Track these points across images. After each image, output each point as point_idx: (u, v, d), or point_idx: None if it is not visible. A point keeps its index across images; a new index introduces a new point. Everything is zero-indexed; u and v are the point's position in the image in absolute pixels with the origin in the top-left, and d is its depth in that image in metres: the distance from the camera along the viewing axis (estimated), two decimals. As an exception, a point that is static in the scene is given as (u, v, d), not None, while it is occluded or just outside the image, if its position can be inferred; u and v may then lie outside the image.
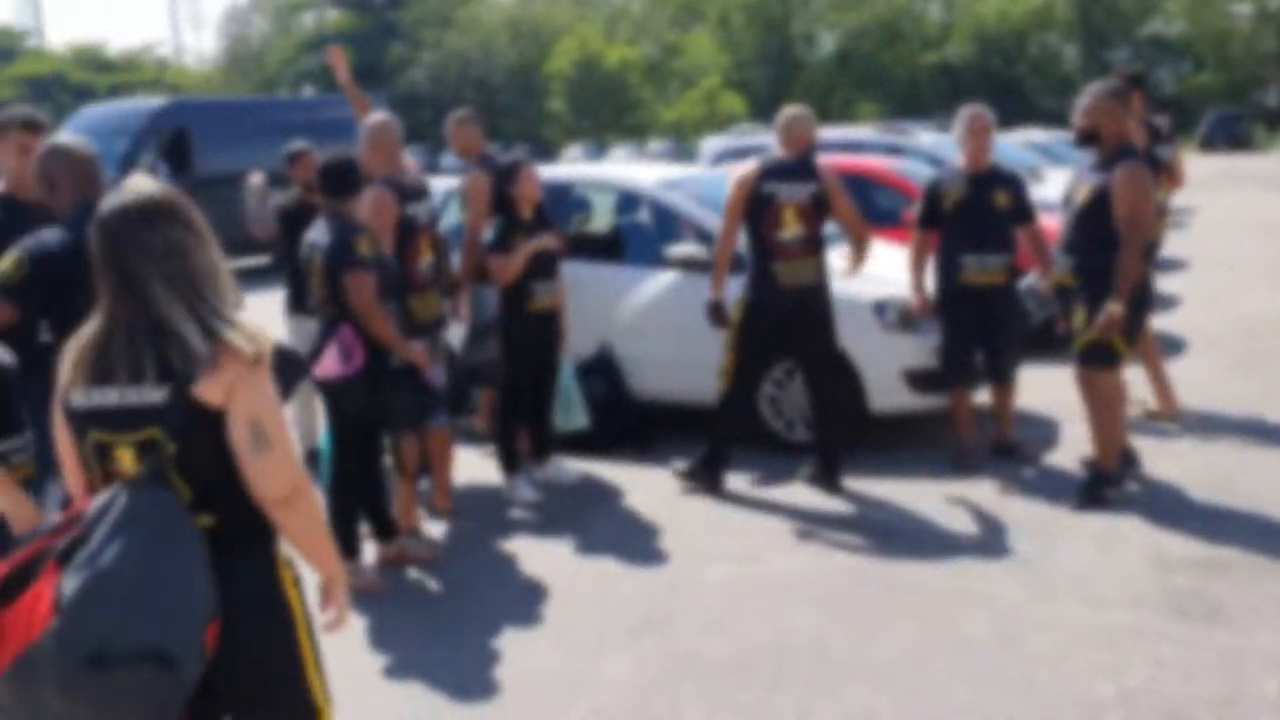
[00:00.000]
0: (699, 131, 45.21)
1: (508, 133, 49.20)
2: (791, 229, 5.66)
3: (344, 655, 4.19)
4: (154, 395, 2.22)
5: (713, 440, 5.92)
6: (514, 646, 4.24)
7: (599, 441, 6.50)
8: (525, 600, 4.67)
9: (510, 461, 5.94)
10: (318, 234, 4.78)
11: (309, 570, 2.47)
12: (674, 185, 7.16)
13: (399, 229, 5.25)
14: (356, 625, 4.47)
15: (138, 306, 2.25)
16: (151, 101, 17.35)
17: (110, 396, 2.24)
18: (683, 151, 38.07)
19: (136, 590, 2.07)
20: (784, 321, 5.72)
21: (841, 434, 5.93)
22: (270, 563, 2.40)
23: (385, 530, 5.10)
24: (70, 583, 2.04)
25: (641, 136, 48.43)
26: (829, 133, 14.95)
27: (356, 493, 4.94)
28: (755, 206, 5.70)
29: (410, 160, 5.64)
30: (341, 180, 4.76)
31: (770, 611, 4.41)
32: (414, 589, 4.87)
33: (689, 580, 4.77)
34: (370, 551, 5.06)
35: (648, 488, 5.99)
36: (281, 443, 2.29)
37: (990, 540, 5.05)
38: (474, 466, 6.34)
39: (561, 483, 6.11)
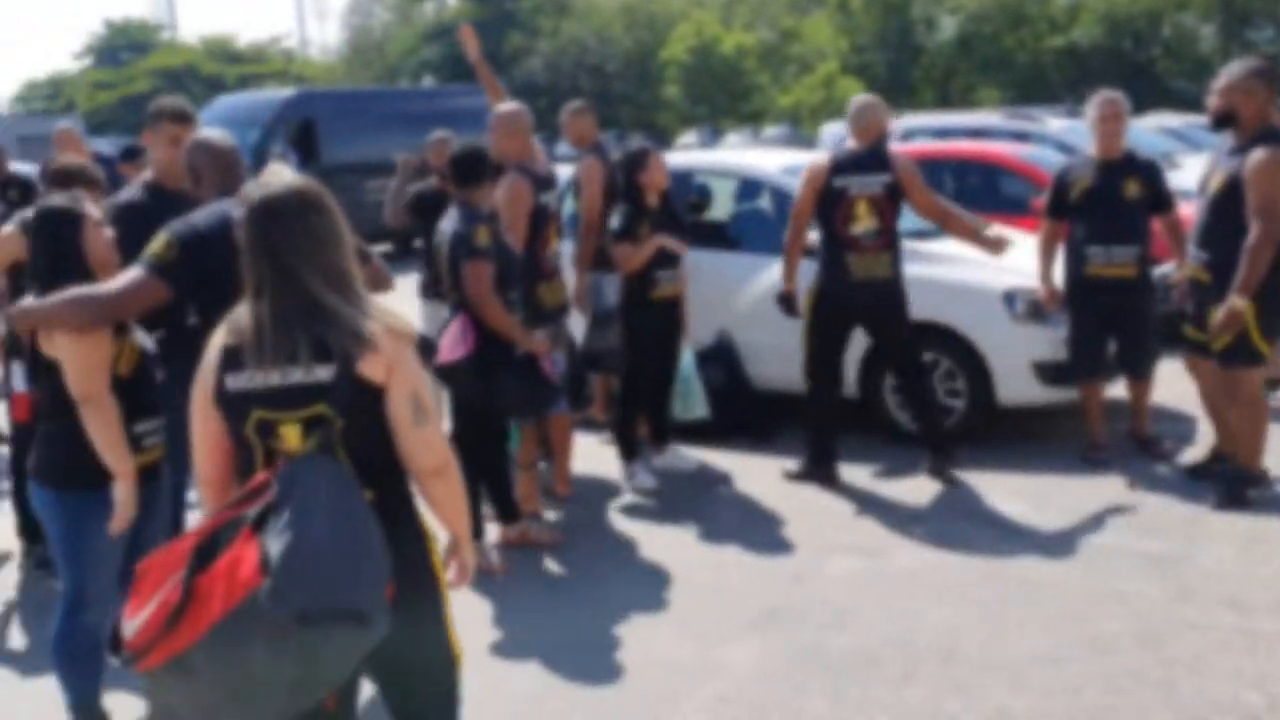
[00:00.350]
0: (815, 117, 44.68)
1: (622, 121, 49.29)
2: (864, 223, 5.58)
3: (469, 632, 4.27)
4: (321, 374, 2.33)
5: (810, 437, 5.89)
6: (635, 632, 4.25)
7: (717, 430, 6.47)
8: (645, 586, 4.68)
9: (630, 449, 5.96)
10: (448, 222, 4.86)
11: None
12: (797, 172, 7.06)
13: (532, 217, 5.30)
14: (480, 604, 4.55)
15: (292, 292, 2.35)
16: (280, 93, 17.81)
17: (274, 377, 2.34)
18: (799, 137, 37.64)
19: (334, 554, 2.19)
20: (856, 314, 5.72)
21: (939, 424, 5.89)
22: (420, 532, 2.56)
23: (508, 512, 5.17)
24: (275, 547, 2.15)
25: (757, 123, 48.05)
26: (953, 119, 14.70)
27: (477, 475, 5.01)
28: (827, 201, 5.63)
29: (538, 148, 5.68)
30: (471, 169, 4.82)
31: (896, 606, 4.34)
32: (535, 572, 4.91)
33: (811, 572, 4.73)
34: (492, 533, 5.13)
35: (766, 477, 5.95)
36: (435, 416, 2.45)
37: (1124, 538, 4.88)
38: (592, 453, 6.38)
39: (680, 471, 6.11)
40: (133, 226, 3.89)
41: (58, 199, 3.45)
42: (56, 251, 3.34)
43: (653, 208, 5.76)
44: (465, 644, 4.10)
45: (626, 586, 4.70)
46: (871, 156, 5.67)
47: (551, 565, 4.98)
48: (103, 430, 3.20)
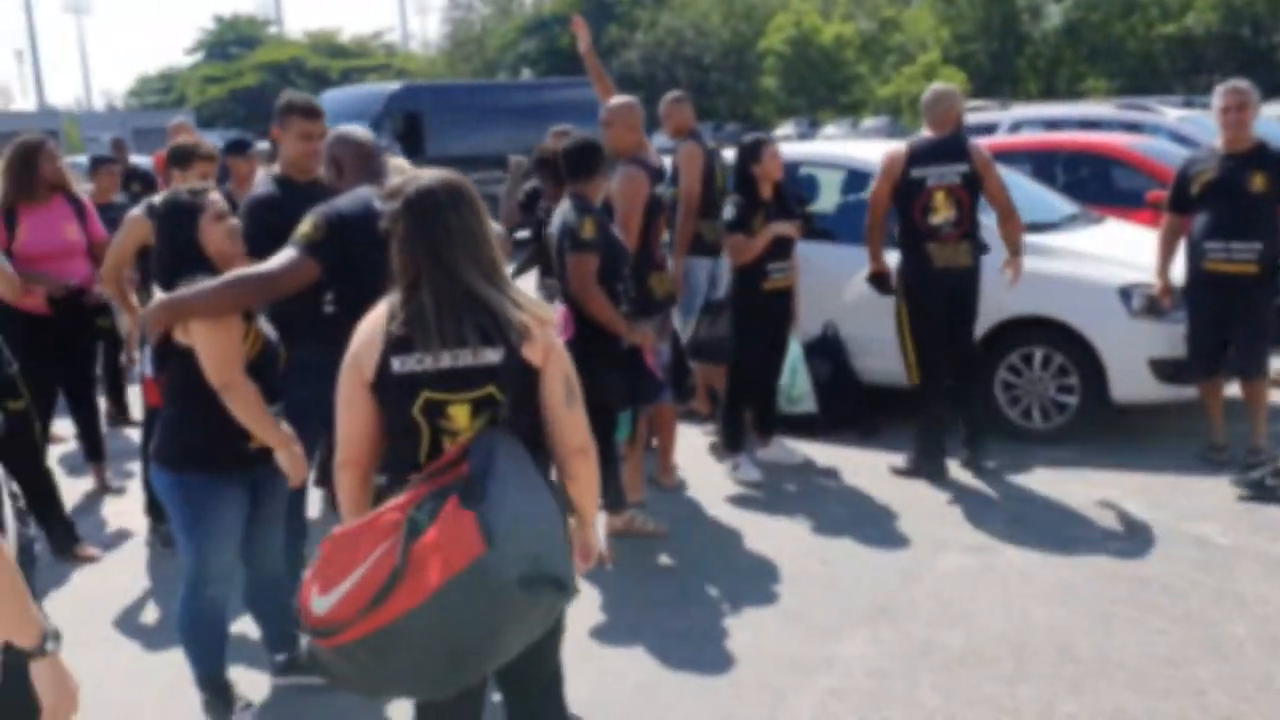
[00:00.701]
0: (915, 109, 44.02)
1: (719, 112, 49.19)
2: (943, 213, 5.60)
3: (579, 620, 4.35)
4: (490, 356, 2.44)
5: (919, 432, 5.86)
6: (744, 624, 4.28)
7: (822, 423, 6.45)
8: (753, 579, 4.70)
9: (736, 440, 5.98)
10: (558, 213, 4.92)
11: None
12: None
13: (645, 208, 5.34)
14: (589, 592, 4.61)
15: (451, 281, 2.44)
16: (386, 86, 18.16)
17: (445, 360, 2.42)
18: (899, 129, 37.15)
19: (542, 524, 2.35)
20: (940, 302, 5.71)
21: (979, 416, 5.93)
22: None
23: (615, 501, 5.23)
24: (494, 516, 2.26)
25: (855, 114, 47.56)
26: (1064, 110, 14.38)
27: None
28: (904, 191, 5.64)
29: (649, 141, 5.72)
30: (583, 162, 4.88)
31: (1008, 604, 4.29)
32: (643, 562, 4.96)
33: (921, 567, 4.70)
34: (598, 522, 5.19)
35: (873, 472, 5.92)
36: (581, 398, 2.56)
37: (1245, 540, 4.76)
38: (694, 445, 6.41)
39: (785, 463, 6.10)
40: (264, 219, 4.04)
41: (182, 191, 3.57)
42: (176, 243, 3.46)
43: (767, 199, 5.76)
44: (576, 632, 4.20)
45: (734, 578, 4.72)
46: (948, 146, 5.68)
47: (658, 556, 5.02)
48: (249, 411, 3.32)
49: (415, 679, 2.35)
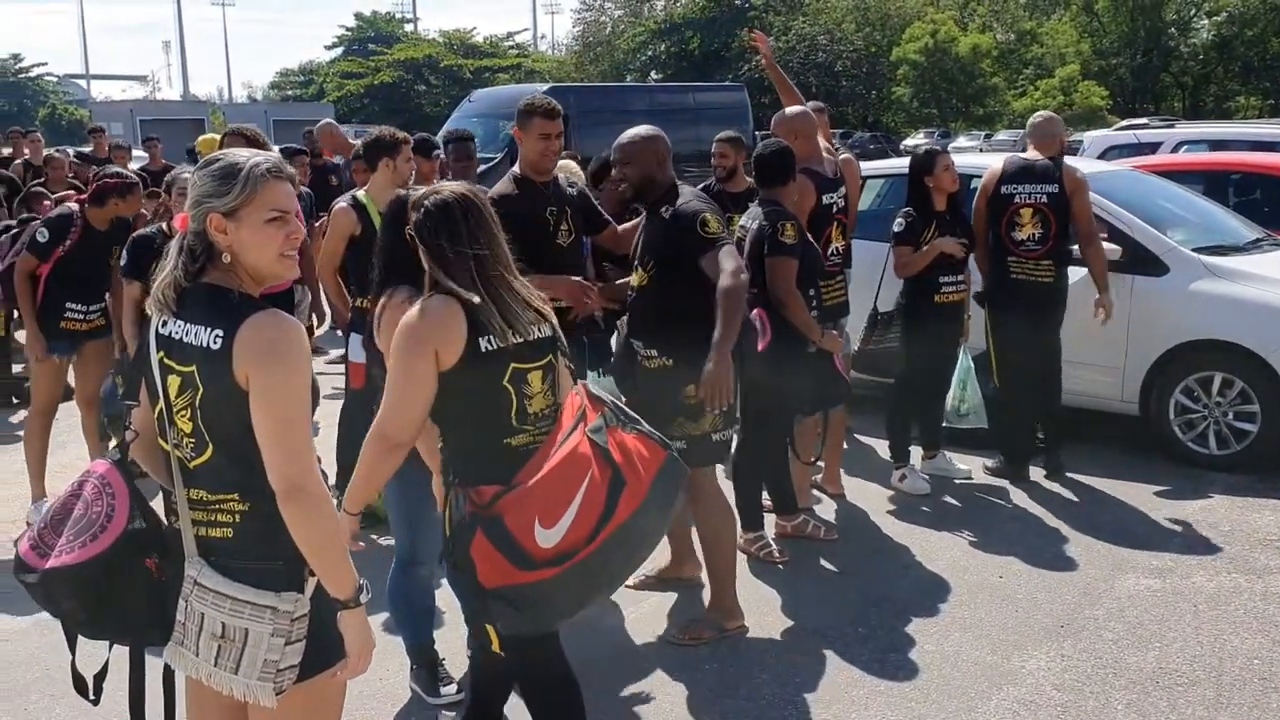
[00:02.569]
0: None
1: (850, 120, 48.76)
2: (1027, 229, 5.81)
3: (759, 620, 4.44)
4: (545, 330, 2.90)
5: (1003, 438, 6.06)
6: (925, 631, 4.31)
7: (985, 438, 6.40)
8: (929, 589, 4.72)
9: (902, 451, 5.99)
10: (748, 218, 5.01)
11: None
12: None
13: (814, 216, 5.39)
14: (767, 593, 4.69)
15: (496, 272, 2.84)
16: (535, 87, 18.51)
17: (520, 336, 2.83)
18: (1035, 143, 36.27)
19: None
20: (1017, 316, 5.88)
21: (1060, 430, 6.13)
22: None
23: (786, 505, 5.30)
24: (656, 433, 2.89)
25: (988, 126, 46.66)
26: (1232, 129, 13.83)
27: (762, 467, 5.15)
28: (994, 206, 5.88)
29: (829, 146, 5.76)
30: (775, 168, 4.95)
31: (1200, 629, 4.24)
32: (815, 565, 5.02)
33: (1101, 588, 4.66)
34: (763, 525, 5.26)
35: (1041, 489, 5.88)
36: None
37: None
38: (856, 455, 6.43)
39: (950, 477, 6.09)
40: (501, 217, 4.21)
41: (405, 191, 3.74)
42: (401, 241, 3.61)
43: (939, 211, 5.76)
44: (757, 632, 4.29)
45: (909, 587, 4.76)
46: (1043, 167, 5.88)
47: (830, 561, 5.07)
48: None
49: (609, 585, 2.91)
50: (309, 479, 2.15)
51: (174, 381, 2.22)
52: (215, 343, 2.15)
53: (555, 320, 2.95)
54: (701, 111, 16.58)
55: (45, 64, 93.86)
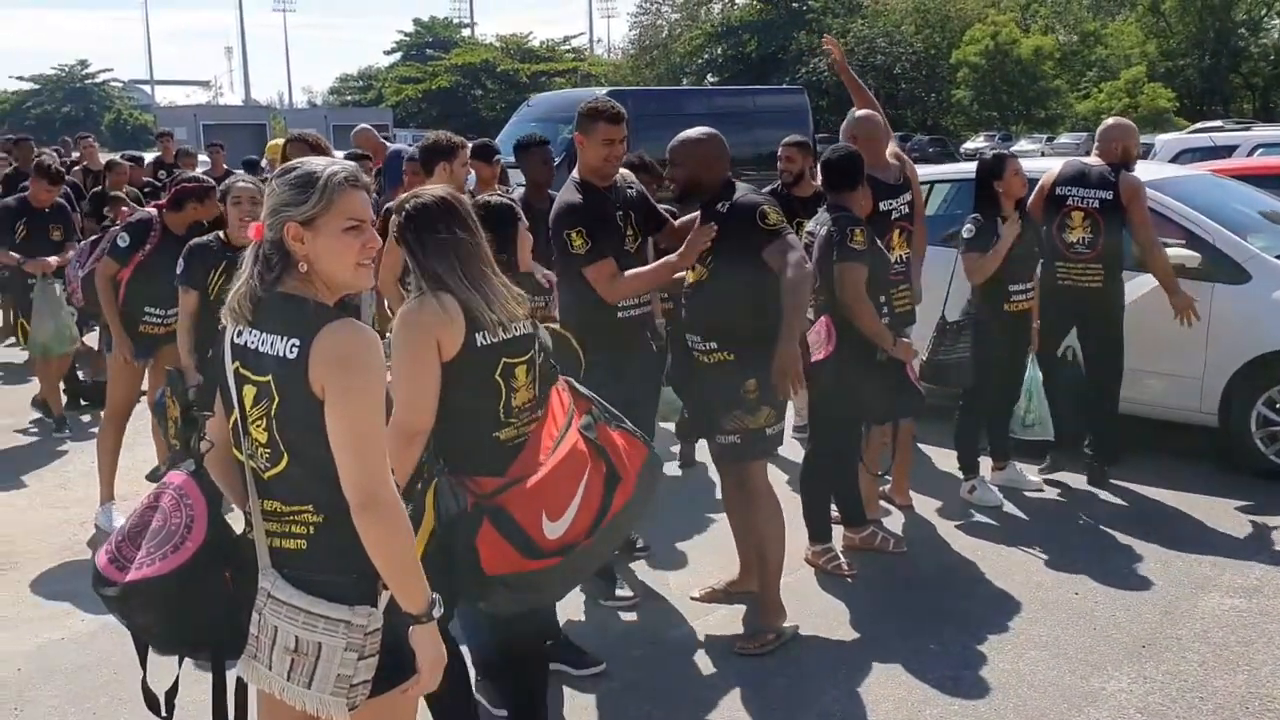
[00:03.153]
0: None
1: (909, 122, 48.31)
2: (1077, 232, 5.82)
3: (829, 633, 4.35)
4: (526, 327, 3.06)
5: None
6: (999, 649, 4.19)
7: (1059, 450, 6.24)
8: (1002, 605, 4.60)
9: (972, 463, 5.86)
10: (816, 224, 4.92)
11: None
12: (1156, 186, 6.71)
13: (870, 222, 5.26)
14: (834, 606, 4.60)
15: (480, 273, 2.95)
16: (594, 91, 18.49)
17: (509, 332, 2.98)
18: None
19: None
20: (1063, 319, 5.92)
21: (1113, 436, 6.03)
22: None
23: (855, 516, 5.20)
24: (636, 429, 3.16)
25: (1050, 129, 45.97)
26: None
27: (829, 478, 5.06)
28: (1049, 207, 5.92)
29: (896, 151, 5.65)
30: (844, 173, 4.87)
31: (1288, 652, 4.08)
32: (884, 579, 4.92)
33: (1183, 606, 4.51)
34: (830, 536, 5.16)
35: (1113, 502, 5.73)
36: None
37: None
38: (916, 465, 6.31)
39: (1020, 489, 5.95)
40: (570, 226, 4.20)
41: (498, 197, 3.71)
42: (496, 246, 3.60)
43: (1008, 216, 5.63)
44: (826, 646, 4.20)
45: (982, 602, 4.64)
46: (1099, 173, 5.88)
47: (899, 574, 4.97)
48: None
49: (600, 561, 3.14)
50: (384, 490, 2.11)
51: (249, 391, 2.19)
52: (291, 352, 2.12)
53: (533, 317, 3.16)
54: (761, 115, 16.45)
55: (111, 70, 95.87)
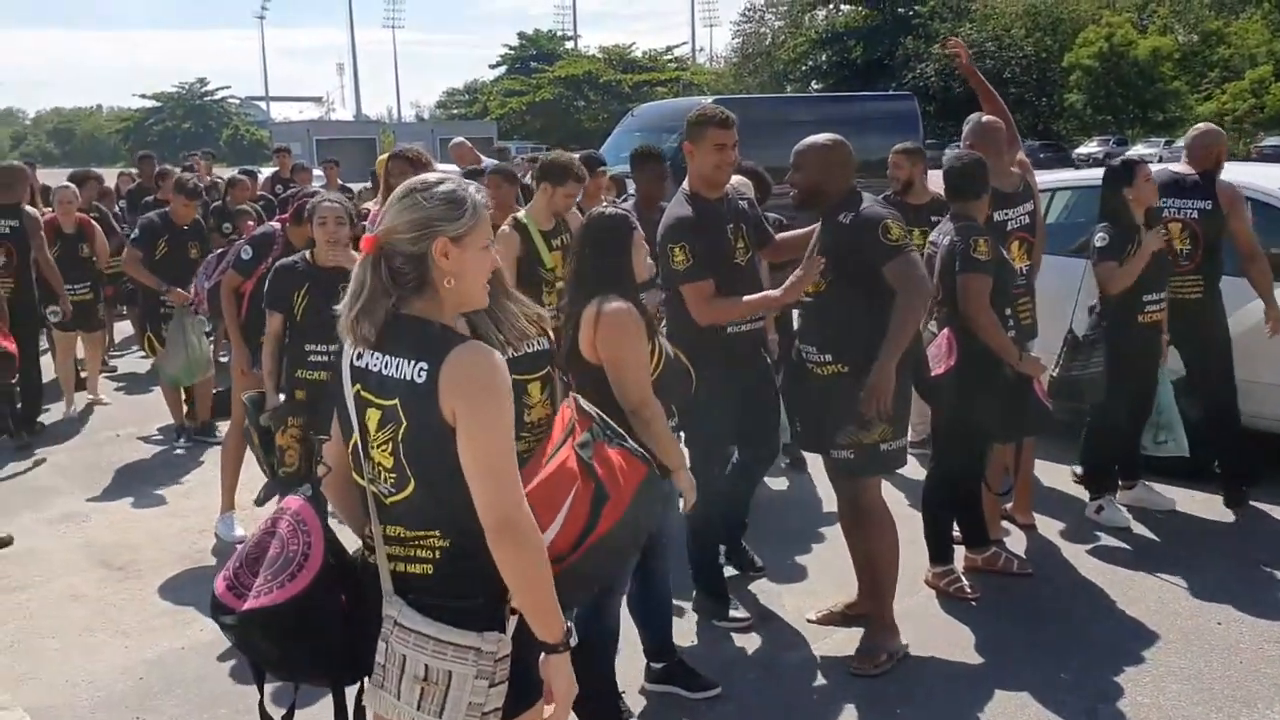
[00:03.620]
0: (1240, 127, 40.70)
1: (1020, 128, 47.21)
2: (1179, 243, 5.63)
3: (952, 653, 4.18)
4: (541, 344, 3.17)
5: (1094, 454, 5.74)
6: (1137, 683, 3.97)
7: (1191, 468, 5.95)
8: (1137, 633, 4.37)
9: (1100, 481, 5.62)
10: (938, 233, 4.76)
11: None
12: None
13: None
14: (957, 630, 4.43)
15: (496, 292, 2.84)
16: (700, 100, 18.42)
17: (520, 349, 3.03)
18: (1221, 149, 34.34)
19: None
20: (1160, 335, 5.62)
21: (1241, 452, 5.75)
22: None
23: (978, 537, 5.01)
24: (639, 447, 2.87)
25: (1169, 132, 44.45)
26: None
27: (953, 496, 4.88)
28: (1145, 220, 5.50)
29: (1021, 159, 5.45)
30: (966, 181, 4.70)
31: None
32: (1009, 603, 4.72)
33: (1337, 639, 4.23)
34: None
35: (1255, 524, 5.42)
36: None
37: None
38: (1039, 483, 6.07)
39: (1151, 509, 5.68)
40: (682, 240, 4.12)
41: (612, 210, 3.65)
42: (605, 261, 3.53)
43: (1138, 225, 5.38)
44: (951, 672, 4.04)
45: (1114, 629, 4.42)
46: (1196, 182, 5.70)
47: (1024, 598, 4.76)
48: (657, 429, 3.38)
49: (596, 580, 2.86)
50: (520, 514, 2.06)
51: (373, 415, 2.15)
52: (420, 376, 2.07)
53: (551, 334, 3.24)
54: (870, 121, 16.19)
55: (229, 87, 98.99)
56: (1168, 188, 5.68)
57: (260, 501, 5.23)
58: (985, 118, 5.39)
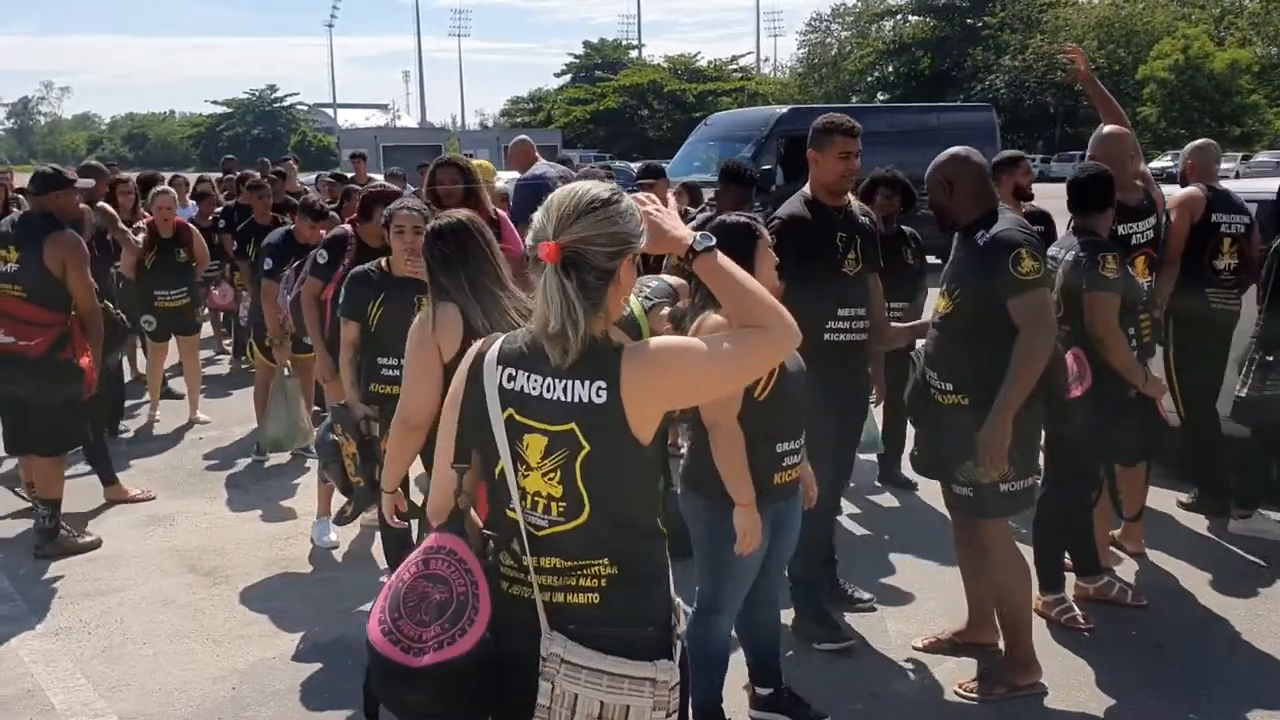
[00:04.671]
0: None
1: (1086, 140, 46.49)
2: (1227, 258, 5.59)
3: (1062, 687, 3.99)
4: None
5: (1200, 475, 5.76)
6: (1273, 725, 3.76)
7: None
8: (1271, 674, 4.14)
9: (1253, 498, 5.41)
10: (1059, 248, 4.57)
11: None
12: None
13: None
14: (1072, 661, 4.23)
15: (485, 287, 3.58)
16: (774, 109, 18.18)
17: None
18: (1302, 164, 33.54)
19: None
20: (1213, 345, 5.60)
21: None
22: None
23: (1089, 565, 4.79)
24: None
25: (1246, 147, 43.45)
26: None
27: (1066, 521, 4.67)
28: (1200, 234, 5.57)
29: (1143, 172, 5.24)
30: (1092, 194, 4.51)
31: None
32: (1124, 635, 4.50)
33: None
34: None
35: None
36: None
37: None
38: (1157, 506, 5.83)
39: (1271, 539, 5.42)
40: (794, 239, 3.99)
41: (738, 217, 3.51)
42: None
43: None
44: (1067, 707, 3.85)
45: (1247, 669, 4.19)
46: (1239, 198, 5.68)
47: (1140, 631, 4.54)
48: (732, 457, 3.23)
49: None
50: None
51: (535, 442, 2.01)
52: (599, 396, 1.96)
53: None
54: (945, 132, 15.82)
55: (297, 94, 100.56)
56: (1221, 203, 5.62)
57: (348, 519, 5.10)
58: (1109, 127, 5.21)
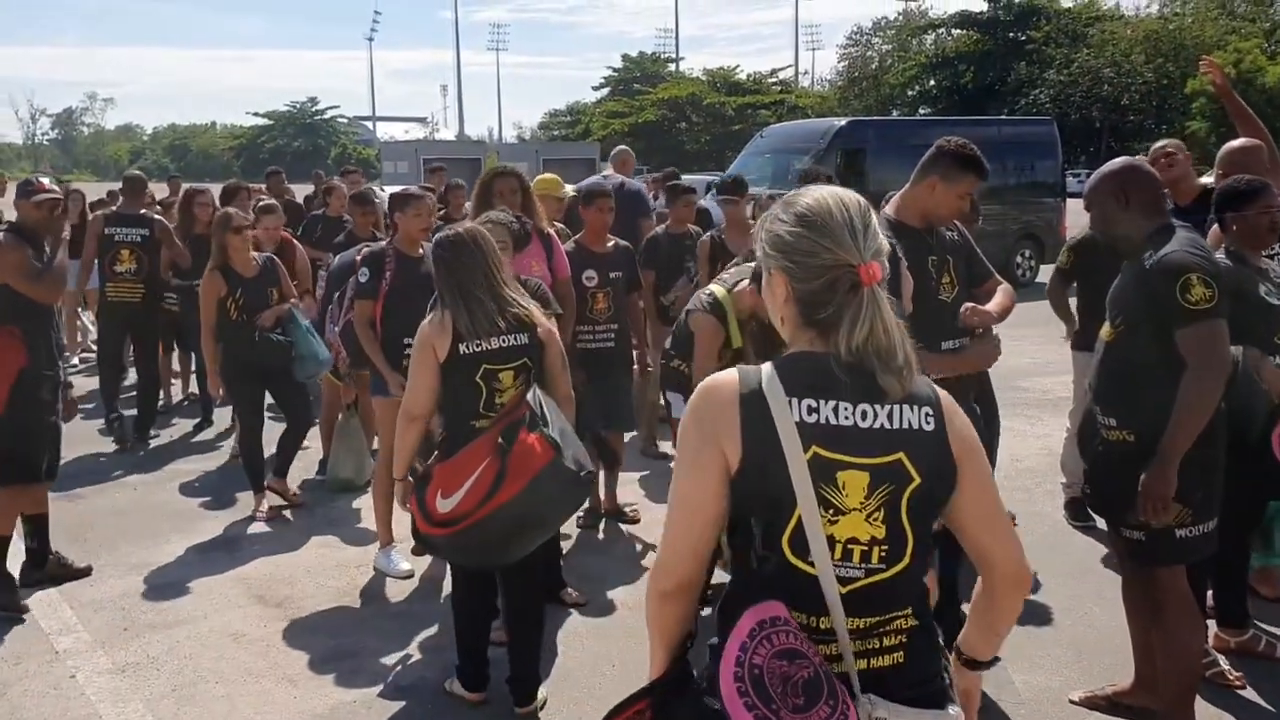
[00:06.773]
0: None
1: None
2: None
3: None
4: (524, 339, 3.77)
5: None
6: None
7: None
8: None
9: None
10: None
11: None
12: None
13: None
14: (1212, 712, 3.85)
15: (484, 292, 3.80)
16: (832, 121, 17.83)
17: (494, 343, 3.72)
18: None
19: (573, 437, 3.66)
20: None
21: None
22: None
23: (1235, 617, 4.40)
24: (558, 435, 3.52)
25: (1299, 163, 42.61)
26: None
27: (1215, 565, 4.28)
28: None
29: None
30: (1232, 203, 4.16)
31: None
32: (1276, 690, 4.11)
33: None
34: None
35: None
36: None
37: None
38: None
39: None
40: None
41: None
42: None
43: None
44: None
45: None
46: None
47: (1295, 685, 4.15)
48: None
49: (502, 550, 3.57)
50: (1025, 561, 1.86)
51: (855, 479, 1.71)
52: (928, 423, 1.75)
53: (541, 329, 3.82)
54: (1007, 146, 15.51)
55: (338, 106, 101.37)
56: None
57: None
58: (1243, 141, 4.86)
